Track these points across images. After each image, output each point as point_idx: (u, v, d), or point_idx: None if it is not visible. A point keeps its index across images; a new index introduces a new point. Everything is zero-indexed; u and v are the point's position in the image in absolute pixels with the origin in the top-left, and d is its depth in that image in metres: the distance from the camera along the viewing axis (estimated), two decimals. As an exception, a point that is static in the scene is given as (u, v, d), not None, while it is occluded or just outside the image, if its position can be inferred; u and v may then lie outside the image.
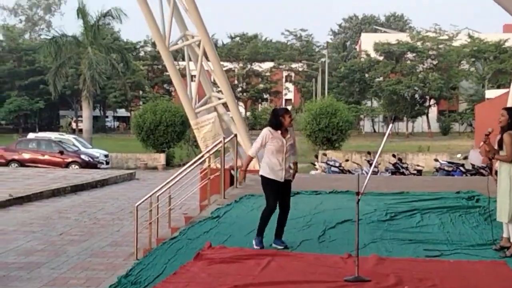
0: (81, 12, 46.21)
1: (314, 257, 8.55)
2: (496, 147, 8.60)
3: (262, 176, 9.20)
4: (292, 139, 9.22)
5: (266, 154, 9.16)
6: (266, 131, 9.11)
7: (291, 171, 9.29)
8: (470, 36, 78.70)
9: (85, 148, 37.34)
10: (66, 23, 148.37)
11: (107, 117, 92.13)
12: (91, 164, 34.08)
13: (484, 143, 8.53)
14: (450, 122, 77.98)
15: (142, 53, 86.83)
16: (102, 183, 26.45)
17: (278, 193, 9.11)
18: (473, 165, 23.72)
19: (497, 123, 8.62)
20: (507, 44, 73.56)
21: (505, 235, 8.83)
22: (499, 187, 8.64)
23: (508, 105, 21.67)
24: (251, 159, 9.47)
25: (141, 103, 75.81)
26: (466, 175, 22.95)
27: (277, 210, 9.23)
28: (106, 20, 48.35)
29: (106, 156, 36.67)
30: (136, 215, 10.71)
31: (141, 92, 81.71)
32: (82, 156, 34.81)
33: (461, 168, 24.03)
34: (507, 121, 8.45)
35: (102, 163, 35.40)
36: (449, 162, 25.19)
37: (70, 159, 34.22)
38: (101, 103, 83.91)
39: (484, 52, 76.04)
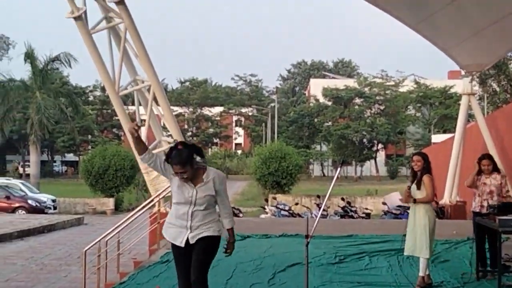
0: (30, 57, 45.87)
1: (264, 300, 8.58)
2: (416, 189, 9.26)
3: None
4: (210, 189, 6.28)
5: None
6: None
7: (210, 230, 6.38)
8: (416, 82, 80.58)
9: (32, 193, 36.77)
10: (14, 68, 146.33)
11: (55, 161, 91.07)
12: (38, 209, 33.55)
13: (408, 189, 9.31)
14: (397, 166, 78.96)
15: (91, 98, 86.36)
16: (50, 229, 26.01)
17: (181, 262, 6.52)
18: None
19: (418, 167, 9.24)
20: (452, 90, 75.16)
21: (421, 273, 9.09)
22: (417, 225, 9.23)
23: (454, 149, 22.23)
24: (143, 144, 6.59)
25: (90, 147, 75.24)
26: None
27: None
28: (54, 64, 47.96)
29: (53, 201, 36.16)
30: (84, 260, 10.58)
31: (90, 137, 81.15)
32: (29, 201, 34.28)
33: (408, 211, 24.27)
34: (423, 165, 9.15)
35: (49, 208, 34.89)
36: (397, 206, 25.45)
37: (16, 204, 33.64)
38: (49, 147, 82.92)
39: (430, 98, 77.87)
